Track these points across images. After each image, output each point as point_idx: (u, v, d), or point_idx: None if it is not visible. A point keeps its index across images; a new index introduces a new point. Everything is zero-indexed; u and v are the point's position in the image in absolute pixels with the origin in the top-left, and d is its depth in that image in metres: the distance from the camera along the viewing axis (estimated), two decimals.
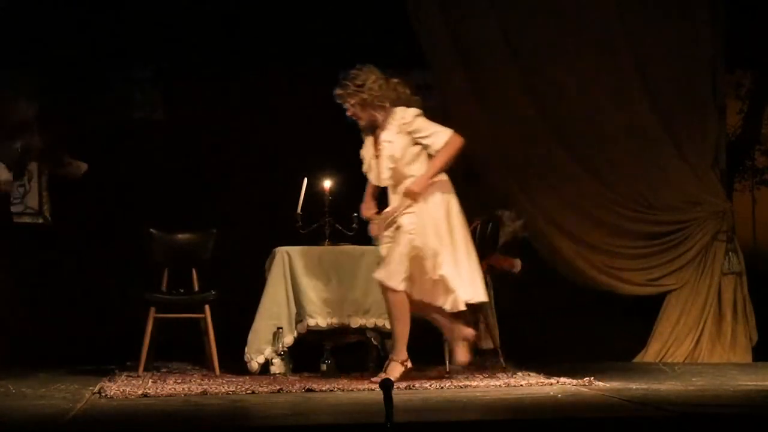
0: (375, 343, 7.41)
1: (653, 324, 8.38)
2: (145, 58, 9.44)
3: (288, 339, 7.28)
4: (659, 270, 8.44)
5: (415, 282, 6.79)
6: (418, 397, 6.14)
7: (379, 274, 6.78)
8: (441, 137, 6.82)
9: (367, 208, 7.03)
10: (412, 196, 6.78)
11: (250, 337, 7.31)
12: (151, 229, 7.77)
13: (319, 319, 7.28)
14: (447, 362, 7.26)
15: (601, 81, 8.37)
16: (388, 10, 8.50)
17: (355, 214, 7.19)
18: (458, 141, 6.83)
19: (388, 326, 7.21)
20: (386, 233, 6.89)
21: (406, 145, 6.85)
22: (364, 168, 7.01)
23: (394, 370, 6.73)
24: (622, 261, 8.47)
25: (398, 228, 6.79)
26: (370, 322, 7.33)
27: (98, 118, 8.77)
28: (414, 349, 7.01)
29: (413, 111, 6.87)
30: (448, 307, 6.75)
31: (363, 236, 7.22)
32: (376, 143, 6.94)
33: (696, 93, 8.45)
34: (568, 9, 8.34)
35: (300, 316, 7.30)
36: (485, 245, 7.82)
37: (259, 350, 7.28)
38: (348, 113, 6.93)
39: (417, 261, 6.76)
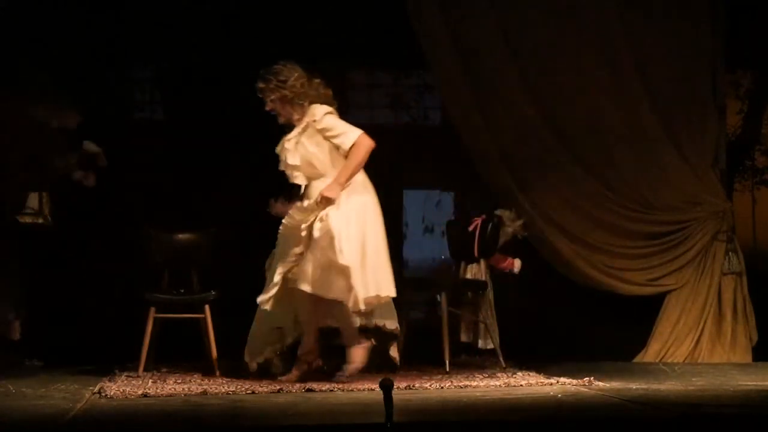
0: (375, 343, 7.39)
1: (653, 324, 8.38)
2: (145, 58, 9.43)
3: (288, 339, 7.27)
4: (659, 270, 8.44)
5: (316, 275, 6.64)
6: (418, 397, 6.13)
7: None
8: (349, 137, 6.69)
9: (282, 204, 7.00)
10: (326, 201, 6.62)
11: (250, 337, 7.30)
12: (151, 229, 7.77)
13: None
14: (447, 362, 7.27)
15: (601, 81, 8.36)
16: (388, 10, 8.48)
17: None
18: (367, 142, 6.69)
19: (389, 326, 7.23)
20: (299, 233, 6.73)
21: (315, 143, 6.76)
22: (281, 166, 6.92)
23: (357, 354, 6.73)
24: (622, 261, 8.47)
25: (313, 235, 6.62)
26: (370, 322, 7.31)
27: (98, 118, 8.76)
28: (414, 349, 7.01)
29: (323, 109, 6.78)
30: (350, 304, 6.62)
31: None
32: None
33: (696, 93, 8.45)
34: (568, 9, 8.34)
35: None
36: (485, 245, 7.83)
37: (259, 351, 7.26)
38: (267, 108, 6.89)
39: (325, 252, 6.59)
